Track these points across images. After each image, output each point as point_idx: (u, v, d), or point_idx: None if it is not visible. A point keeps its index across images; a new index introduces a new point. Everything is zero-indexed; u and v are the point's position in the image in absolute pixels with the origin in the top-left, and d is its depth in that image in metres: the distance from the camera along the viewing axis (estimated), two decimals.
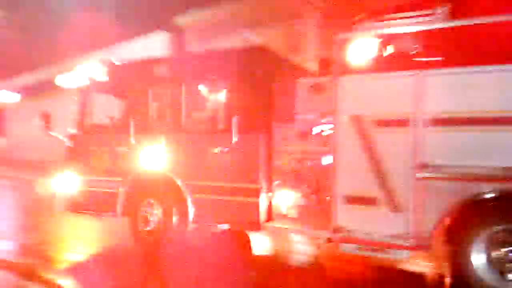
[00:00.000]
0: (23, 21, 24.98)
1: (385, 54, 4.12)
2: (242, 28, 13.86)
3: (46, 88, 23.75)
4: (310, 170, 4.80)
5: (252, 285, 4.66)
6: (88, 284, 4.53)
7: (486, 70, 3.67)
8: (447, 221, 3.82)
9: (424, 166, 3.90)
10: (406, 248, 4.04)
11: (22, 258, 5.56)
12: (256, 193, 4.84)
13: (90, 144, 6.36)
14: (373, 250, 4.32)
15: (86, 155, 6.34)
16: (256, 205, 4.80)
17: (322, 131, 4.67)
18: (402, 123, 4.02)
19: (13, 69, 26.45)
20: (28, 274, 4.72)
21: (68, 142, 6.51)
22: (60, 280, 4.54)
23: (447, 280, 4.17)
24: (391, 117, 4.10)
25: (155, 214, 5.62)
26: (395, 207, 4.06)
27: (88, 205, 6.18)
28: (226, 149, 5.02)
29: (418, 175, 3.91)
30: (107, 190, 5.91)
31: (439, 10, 3.95)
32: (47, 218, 7.83)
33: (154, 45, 16.56)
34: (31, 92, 25.61)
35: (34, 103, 25.77)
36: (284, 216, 4.93)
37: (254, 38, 11.73)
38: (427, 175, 3.87)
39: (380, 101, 4.12)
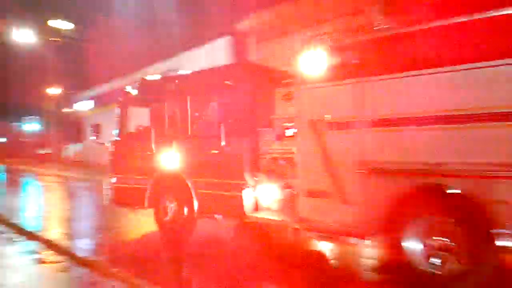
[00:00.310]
0: (96, 35, 27.93)
1: (331, 65, 4.79)
2: (306, 28, 14.51)
3: (118, 96, 26.36)
4: (283, 167, 5.59)
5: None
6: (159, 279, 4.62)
7: (411, 76, 4.18)
8: (384, 211, 4.33)
9: (364, 163, 4.48)
10: (355, 236, 4.65)
11: (97, 255, 5.92)
12: (241, 188, 5.71)
13: (126, 149, 7.54)
14: (330, 238, 5.10)
15: (123, 158, 7.55)
16: (241, 198, 5.67)
17: (294, 133, 5.33)
18: (347, 125, 4.65)
19: (88, 80, 29.57)
20: (104, 270, 4.99)
21: (110, 148, 7.74)
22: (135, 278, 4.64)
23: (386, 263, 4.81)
24: (338, 120, 4.73)
25: (172, 206, 6.67)
26: (344, 200, 4.65)
27: (125, 199, 7.42)
28: (217, 151, 6.03)
29: (359, 171, 4.51)
30: (138, 186, 7.00)
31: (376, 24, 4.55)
32: (116, 215, 9.25)
33: (218, 51, 17.77)
34: (105, 100, 28.39)
35: (107, 111, 28.65)
36: (266, 208, 5.74)
37: (318, 37, 11.98)
38: (366, 170, 4.45)
39: (329, 107, 4.79)
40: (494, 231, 3.71)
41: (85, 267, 5.25)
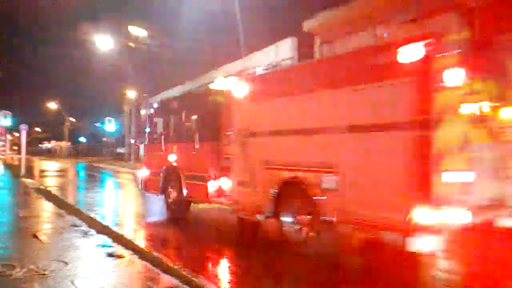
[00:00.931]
0: (170, 41, 29.32)
1: (248, 90, 7.00)
2: (375, 26, 14.11)
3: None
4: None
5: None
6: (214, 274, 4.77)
7: (292, 99, 6.13)
8: (274, 196, 6.25)
9: (265, 162, 6.47)
10: (263, 214, 6.53)
11: (162, 249, 6.31)
12: (206, 179, 7.84)
13: (150, 149, 10.47)
14: (250, 216, 6.97)
15: (149, 156, 10.62)
16: (206, 187, 7.82)
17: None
18: (255, 134, 6.70)
19: (163, 84, 31.08)
20: (160, 264, 5.14)
21: (142, 148, 10.97)
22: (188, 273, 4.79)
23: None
24: (252, 130, 6.75)
25: (173, 192, 9.06)
26: (255, 188, 6.62)
27: (150, 187, 10.21)
28: (194, 152, 8.34)
29: (263, 167, 6.49)
30: (156, 178, 9.61)
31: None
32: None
33: (284, 52, 17.86)
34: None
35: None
36: (225, 195, 7.69)
37: (388, 35, 11.97)
38: (266, 167, 6.43)
39: (246, 120, 6.90)
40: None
41: (148, 261, 5.47)
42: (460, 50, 4.35)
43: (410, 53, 4.41)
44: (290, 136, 6.07)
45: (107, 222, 8.37)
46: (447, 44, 4.35)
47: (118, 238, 6.82)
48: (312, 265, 5.57)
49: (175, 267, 5.12)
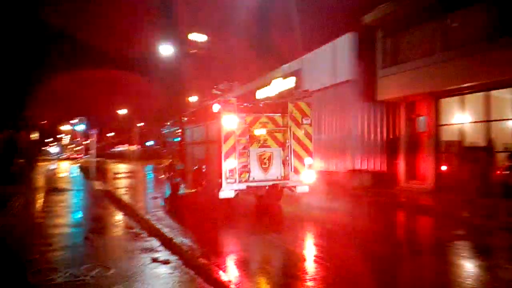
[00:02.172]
0: (222, 43, 29.57)
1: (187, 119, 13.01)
2: (440, 16, 13.14)
3: (247, 100, 27.42)
4: None
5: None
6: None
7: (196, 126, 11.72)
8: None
9: (197, 162, 11.45)
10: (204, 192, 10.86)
11: (203, 254, 6.04)
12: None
13: (179, 150, 13.69)
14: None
15: (179, 155, 13.58)
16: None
17: None
18: (196, 143, 11.61)
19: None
20: (208, 276, 4.85)
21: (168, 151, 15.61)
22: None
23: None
24: (194, 141, 11.81)
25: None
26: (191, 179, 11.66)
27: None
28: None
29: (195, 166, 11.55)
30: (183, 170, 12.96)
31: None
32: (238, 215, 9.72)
33: (342, 49, 17.15)
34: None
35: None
36: None
37: (454, 24, 12.41)
38: (196, 165, 11.31)
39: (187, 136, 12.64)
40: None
41: (192, 269, 5.17)
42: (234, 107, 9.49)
43: (215, 108, 9.68)
44: (196, 145, 11.72)
45: (160, 225, 8.29)
46: (229, 105, 9.46)
47: (167, 242, 6.64)
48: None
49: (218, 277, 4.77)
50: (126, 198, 13.23)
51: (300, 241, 7.38)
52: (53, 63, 18.15)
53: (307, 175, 10.10)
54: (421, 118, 14.88)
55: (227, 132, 9.24)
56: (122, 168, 33.77)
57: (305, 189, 10.13)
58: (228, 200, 9.57)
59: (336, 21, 19.79)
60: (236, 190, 9.37)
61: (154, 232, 7.38)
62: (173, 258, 5.71)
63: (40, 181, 20.15)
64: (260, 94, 24.98)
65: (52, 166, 38.52)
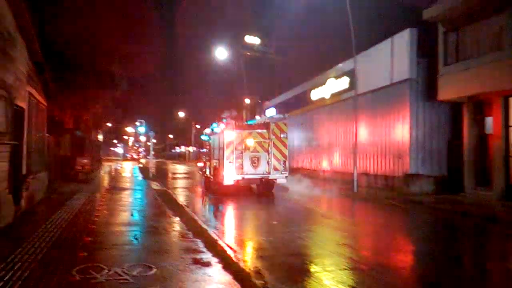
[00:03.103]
0: (280, 46, 29.45)
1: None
2: (508, 7, 12.15)
3: (301, 100, 27.09)
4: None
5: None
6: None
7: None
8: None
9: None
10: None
11: (246, 258, 6.26)
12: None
13: (206, 154, 18.54)
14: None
15: (205, 157, 18.55)
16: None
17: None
18: (214, 148, 16.65)
19: (275, 88, 31.35)
20: (248, 282, 4.74)
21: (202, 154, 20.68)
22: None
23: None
24: (214, 147, 16.79)
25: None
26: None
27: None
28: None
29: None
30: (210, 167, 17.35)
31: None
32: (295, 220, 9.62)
33: (401, 46, 16.37)
34: (287, 107, 29.75)
35: (290, 116, 29.77)
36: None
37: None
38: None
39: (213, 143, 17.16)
40: None
41: (231, 274, 5.08)
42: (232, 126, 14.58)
43: (219, 128, 15.52)
44: (214, 150, 16.39)
45: (206, 225, 8.32)
46: (229, 125, 14.58)
47: (210, 244, 6.62)
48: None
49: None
50: (179, 198, 13.53)
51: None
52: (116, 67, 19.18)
53: (283, 172, 14.88)
54: (487, 118, 13.75)
55: (228, 142, 14.45)
56: (179, 168, 34.84)
57: (283, 181, 15.20)
58: (234, 186, 14.65)
59: (393, 18, 18.88)
60: (234, 180, 14.41)
61: (200, 234, 7.40)
62: (214, 260, 5.67)
63: (103, 180, 21.28)
64: (315, 94, 24.58)
65: (115, 166, 40.71)
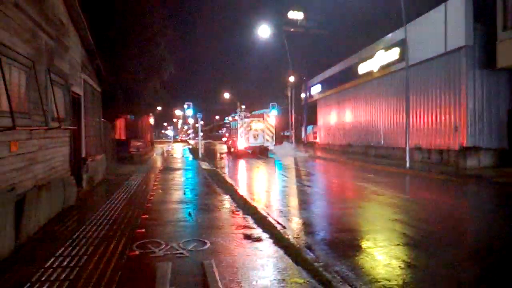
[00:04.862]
0: (322, 19, 28.55)
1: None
2: None
3: (348, 75, 26.35)
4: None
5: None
6: None
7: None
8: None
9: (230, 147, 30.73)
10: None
11: (295, 235, 6.30)
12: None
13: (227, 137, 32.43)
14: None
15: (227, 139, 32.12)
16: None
17: None
18: (232, 129, 29.04)
19: (320, 64, 30.64)
20: (297, 256, 4.77)
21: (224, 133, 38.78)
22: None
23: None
24: (232, 128, 29.29)
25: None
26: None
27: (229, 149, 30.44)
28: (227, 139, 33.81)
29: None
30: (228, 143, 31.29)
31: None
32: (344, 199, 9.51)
33: (456, 11, 15.38)
34: (332, 83, 29.06)
35: (336, 91, 29.07)
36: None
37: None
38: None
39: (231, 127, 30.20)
40: None
41: (281, 248, 5.14)
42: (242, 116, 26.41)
43: (237, 115, 27.17)
44: (232, 130, 28.33)
45: (256, 203, 8.45)
46: (240, 116, 26.36)
47: (260, 220, 6.73)
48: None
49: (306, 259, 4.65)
50: (226, 177, 13.81)
51: None
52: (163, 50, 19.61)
53: (271, 142, 25.94)
54: None
55: (240, 125, 25.60)
56: (225, 148, 35.37)
57: (272, 147, 26.11)
58: (243, 151, 26.02)
59: None
60: (244, 147, 25.67)
61: (249, 211, 7.54)
62: (265, 236, 5.76)
63: (155, 161, 22.12)
64: (363, 68, 23.81)
65: (167, 148, 42.15)
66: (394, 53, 20.18)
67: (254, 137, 25.37)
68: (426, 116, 17.67)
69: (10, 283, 4.02)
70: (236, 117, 26.33)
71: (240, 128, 25.34)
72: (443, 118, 16.54)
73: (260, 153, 25.63)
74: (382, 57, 21.39)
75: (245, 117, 25.65)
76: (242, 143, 25.38)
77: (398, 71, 19.31)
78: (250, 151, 26.39)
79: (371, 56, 22.72)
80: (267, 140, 25.49)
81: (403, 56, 17.82)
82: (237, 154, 26.06)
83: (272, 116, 26.00)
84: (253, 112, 28.58)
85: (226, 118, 30.57)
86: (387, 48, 20.82)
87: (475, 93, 15.16)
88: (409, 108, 16.85)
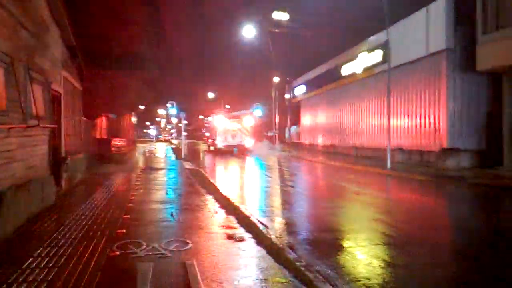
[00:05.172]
0: (307, 20, 28.73)
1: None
2: None
3: (331, 76, 26.56)
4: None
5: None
6: None
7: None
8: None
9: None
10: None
11: (282, 236, 6.23)
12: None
13: (207, 137, 34.79)
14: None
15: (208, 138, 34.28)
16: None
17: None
18: (210, 129, 32.77)
19: (304, 65, 30.82)
20: (279, 256, 4.73)
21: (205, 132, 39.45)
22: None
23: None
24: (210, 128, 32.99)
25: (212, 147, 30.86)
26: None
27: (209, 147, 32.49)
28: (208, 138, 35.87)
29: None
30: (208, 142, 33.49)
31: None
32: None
33: (438, 14, 15.64)
34: (316, 83, 29.27)
35: (320, 92, 29.29)
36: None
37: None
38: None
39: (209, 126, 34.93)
40: None
41: (264, 248, 5.15)
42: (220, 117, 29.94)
43: (216, 116, 30.26)
44: (211, 130, 31.87)
45: (238, 203, 8.43)
46: (217, 116, 29.72)
47: (243, 220, 6.72)
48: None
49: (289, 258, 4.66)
50: (209, 176, 13.76)
51: None
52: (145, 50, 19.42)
53: (248, 141, 28.43)
54: None
55: (219, 125, 28.69)
56: (207, 148, 35.28)
57: (249, 145, 28.51)
58: (222, 150, 28.43)
59: None
60: (223, 145, 28.27)
61: (232, 211, 7.53)
62: (247, 236, 5.76)
63: (138, 161, 21.87)
64: (346, 69, 24.04)
65: (149, 147, 41.72)
66: (377, 55, 20.43)
67: (232, 136, 28.09)
68: (408, 118, 17.96)
69: None
70: (215, 118, 29.14)
71: (219, 128, 28.33)
72: (424, 120, 16.83)
73: (239, 152, 27.66)
74: (365, 59, 21.64)
75: (224, 118, 28.82)
76: (220, 142, 28.12)
77: (381, 73, 19.56)
78: (228, 149, 28.08)
79: (354, 58, 22.96)
80: (244, 140, 28.28)
81: (385, 58, 18.06)
82: (217, 152, 28.25)
83: (248, 117, 28.95)
84: (232, 113, 31.07)
85: (206, 118, 33.51)
86: (370, 50, 21.07)
87: (455, 95, 15.48)
88: (391, 110, 17.08)
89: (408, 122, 17.95)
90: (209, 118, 33.98)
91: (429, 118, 16.45)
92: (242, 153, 27.39)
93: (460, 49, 15.34)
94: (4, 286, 3.85)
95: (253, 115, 29.80)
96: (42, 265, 4.44)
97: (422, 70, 16.94)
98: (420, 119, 17.11)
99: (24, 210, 6.39)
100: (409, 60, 17.59)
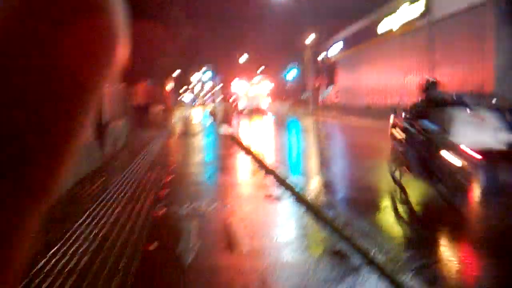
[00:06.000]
0: None
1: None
2: None
3: (369, 33, 25.52)
4: None
5: None
6: None
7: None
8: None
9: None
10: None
11: (320, 196, 6.24)
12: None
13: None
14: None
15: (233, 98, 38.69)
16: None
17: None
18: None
19: (342, 23, 29.62)
20: (318, 212, 4.95)
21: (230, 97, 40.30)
22: None
23: None
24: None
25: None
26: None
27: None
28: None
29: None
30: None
31: None
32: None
33: None
34: (353, 41, 28.19)
35: (356, 51, 28.33)
36: None
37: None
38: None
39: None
40: None
41: (302, 207, 5.26)
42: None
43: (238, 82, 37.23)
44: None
45: (276, 163, 8.55)
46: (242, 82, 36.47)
47: (280, 180, 6.83)
48: None
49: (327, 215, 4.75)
50: (245, 139, 13.92)
51: None
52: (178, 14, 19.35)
53: (266, 103, 33.70)
54: None
55: (238, 90, 35.84)
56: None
57: (266, 105, 33.48)
58: (245, 111, 32.28)
59: None
60: (244, 107, 32.97)
61: (270, 172, 7.66)
62: (286, 195, 5.88)
63: (175, 126, 22.40)
64: (384, 25, 22.98)
65: (185, 113, 42.49)
66: (419, 7, 19.36)
67: (251, 99, 32.78)
68: (452, 77, 17.16)
69: (45, 238, 4.26)
70: (237, 84, 35.13)
71: (240, 92, 34.31)
72: (470, 79, 16.04)
73: (257, 112, 31.19)
74: (407, 12, 20.57)
75: (244, 83, 34.04)
76: (242, 104, 33.26)
77: (422, 28, 18.62)
78: (248, 111, 31.59)
79: (393, 12, 21.89)
80: (261, 102, 32.92)
81: (427, 10, 17.09)
82: (241, 114, 31.56)
83: (266, 81, 34.10)
84: (252, 80, 35.35)
85: (231, 83, 38.15)
86: (412, 1, 19.98)
87: (504, 50, 14.56)
88: (432, 69, 16.36)
89: (452, 82, 17.18)
90: (232, 84, 38.51)
91: (476, 77, 15.65)
92: (260, 113, 30.63)
93: (507, 1, 14.27)
94: (64, 238, 4.19)
95: (268, 80, 34.84)
96: (95, 221, 4.76)
97: (465, 24, 15.96)
98: (464, 76, 16.31)
99: (74, 173, 6.79)
100: (453, 12, 16.59)
